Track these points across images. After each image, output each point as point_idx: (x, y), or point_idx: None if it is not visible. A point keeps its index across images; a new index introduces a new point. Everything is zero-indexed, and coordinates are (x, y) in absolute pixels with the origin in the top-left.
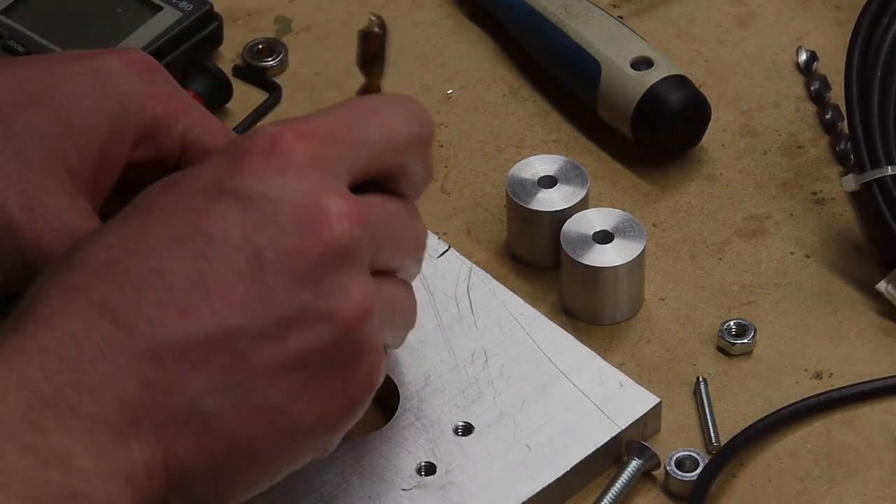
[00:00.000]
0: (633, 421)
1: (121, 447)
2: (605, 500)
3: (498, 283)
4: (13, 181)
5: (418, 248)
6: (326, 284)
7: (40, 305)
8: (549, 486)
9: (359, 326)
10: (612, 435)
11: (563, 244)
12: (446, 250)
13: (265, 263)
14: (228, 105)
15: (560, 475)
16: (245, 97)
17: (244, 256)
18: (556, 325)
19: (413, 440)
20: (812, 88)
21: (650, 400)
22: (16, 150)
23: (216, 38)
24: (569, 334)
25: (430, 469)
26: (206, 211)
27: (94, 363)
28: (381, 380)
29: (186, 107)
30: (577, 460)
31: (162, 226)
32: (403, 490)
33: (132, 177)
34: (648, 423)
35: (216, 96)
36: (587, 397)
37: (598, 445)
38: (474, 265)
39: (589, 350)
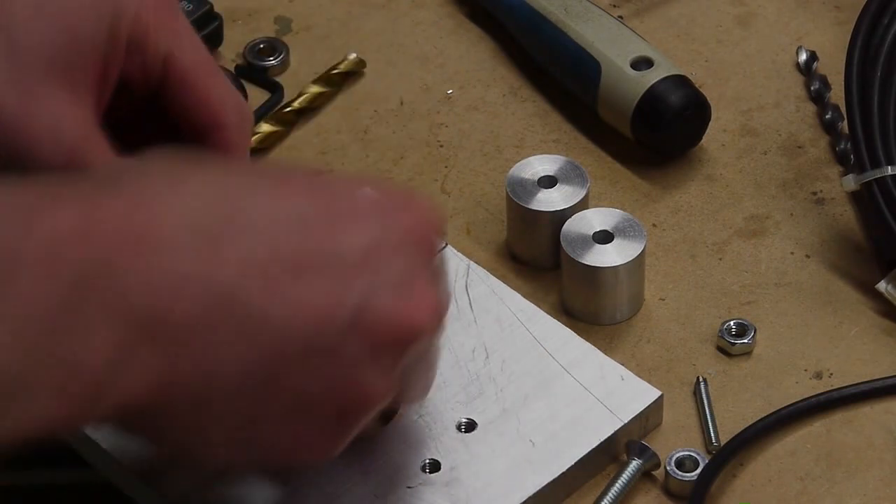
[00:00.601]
0: (635, 414)
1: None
2: (605, 500)
3: (496, 279)
4: (14, 83)
5: None
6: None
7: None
8: (554, 480)
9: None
10: (615, 429)
11: (563, 244)
12: (443, 247)
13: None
14: None
15: (564, 470)
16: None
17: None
18: (555, 321)
19: (417, 438)
20: (812, 88)
21: (652, 393)
22: (17, 56)
23: (216, 37)
24: (569, 329)
25: (434, 466)
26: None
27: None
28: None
29: (174, 22)
30: (581, 455)
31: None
32: (409, 488)
33: (118, 111)
34: (650, 416)
35: None
36: (589, 392)
37: (602, 440)
38: (472, 262)
39: (589, 345)
